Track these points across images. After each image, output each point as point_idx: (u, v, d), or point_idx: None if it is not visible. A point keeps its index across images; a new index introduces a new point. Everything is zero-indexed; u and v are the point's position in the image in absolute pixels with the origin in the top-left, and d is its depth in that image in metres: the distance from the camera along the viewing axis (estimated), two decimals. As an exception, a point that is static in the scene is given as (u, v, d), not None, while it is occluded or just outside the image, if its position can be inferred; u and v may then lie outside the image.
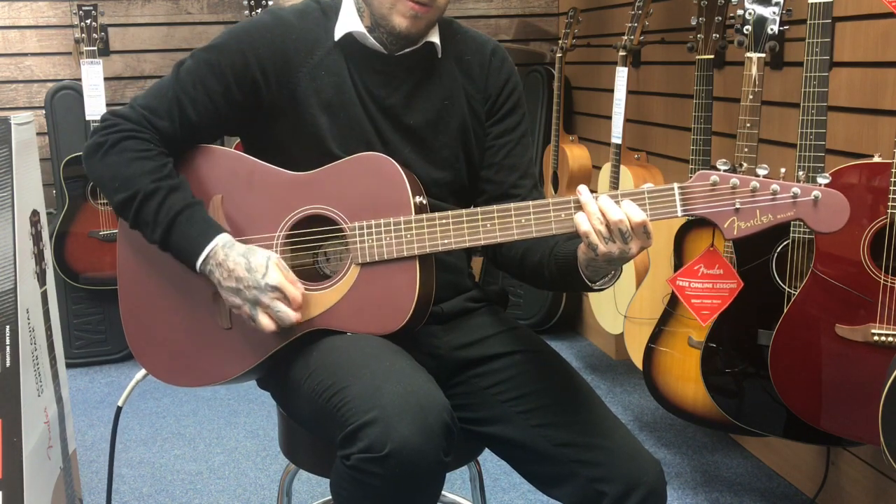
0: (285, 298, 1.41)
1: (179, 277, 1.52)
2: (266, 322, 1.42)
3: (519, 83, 1.65)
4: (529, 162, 1.64)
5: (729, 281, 1.58)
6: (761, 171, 1.30)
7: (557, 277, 1.45)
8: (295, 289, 1.42)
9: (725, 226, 1.30)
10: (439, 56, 1.57)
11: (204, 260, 1.44)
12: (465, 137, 1.58)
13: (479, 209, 1.40)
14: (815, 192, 1.27)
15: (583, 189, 1.33)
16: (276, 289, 1.40)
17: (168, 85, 1.51)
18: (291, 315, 1.42)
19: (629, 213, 1.29)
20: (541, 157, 3.79)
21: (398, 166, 1.44)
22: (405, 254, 1.42)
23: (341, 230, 1.46)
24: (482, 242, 1.40)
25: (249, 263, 1.41)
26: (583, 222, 1.31)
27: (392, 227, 1.43)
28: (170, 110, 1.50)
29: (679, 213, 1.32)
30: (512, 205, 1.38)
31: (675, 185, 1.31)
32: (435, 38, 1.55)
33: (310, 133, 1.50)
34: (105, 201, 3.45)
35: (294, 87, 1.50)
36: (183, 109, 1.49)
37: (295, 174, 1.49)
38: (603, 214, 1.29)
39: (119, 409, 1.85)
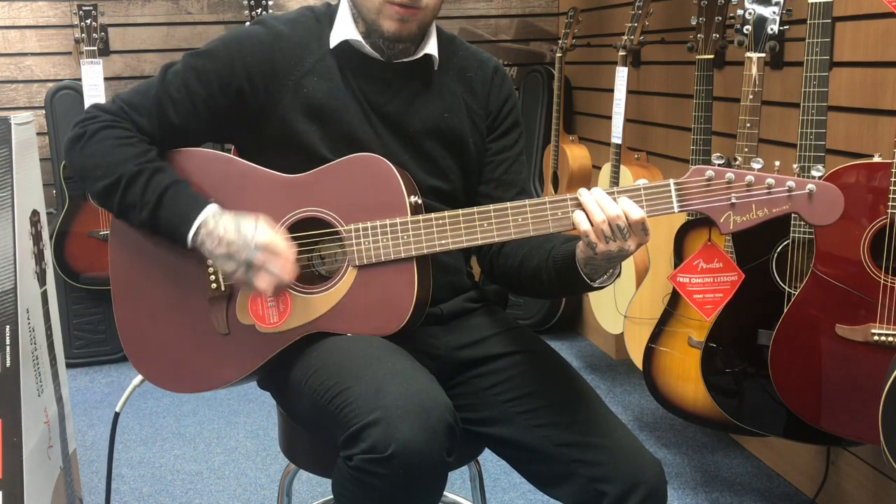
0: (277, 257, 1.40)
1: (175, 282, 1.52)
2: (262, 282, 1.41)
3: (517, 103, 1.67)
4: (526, 180, 1.66)
5: (729, 274, 1.58)
6: (756, 165, 1.31)
7: (556, 280, 1.45)
8: (286, 247, 1.41)
9: (721, 220, 1.32)
10: (436, 68, 1.57)
11: (195, 232, 1.43)
12: (463, 150, 1.58)
13: (475, 209, 1.40)
14: (810, 186, 1.28)
15: (583, 191, 1.34)
16: (266, 247, 1.39)
17: (152, 85, 1.52)
18: (285, 273, 1.41)
19: (627, 210, 1.30)
20: (541, 157, 3.79)
21: (392, 166, 1.44)
22: (402, 255, 1.42)
23: (337, 233, 1.46)
24: (479, 242, 1.40)
25: (238, 227, 1.41)
26: (582, 221, 1.31)
27: (388, 229, 1.42)
28: (150, 109, 1.50)
29: (675, 209, 1.32)
30: (508, 204, 1.38)
31: (671, 181, 1.32)
32: (433, 50, 1.55)
33: (299, 140, 1.50)
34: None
35: (282, 94, 1.50)
36: (163, 110, 1.50)
37: (288, 177, 1.49)
38: (602, 212, 1.30)
39: (117, 415, 1.85)
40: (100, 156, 1.47)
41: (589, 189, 1.34)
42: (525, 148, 1.69)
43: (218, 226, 1.42)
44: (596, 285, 1.41)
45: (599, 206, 1.31)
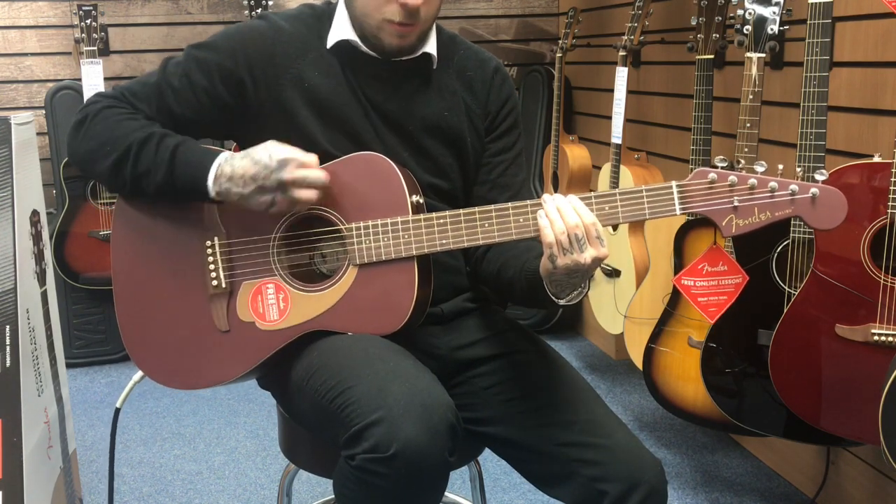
0: (302, 165, 1.40)
1: (176, 279, 1.52)
2: (303, 194, 1.41)
3: (518, 103, 1.66)
4: (522, 182, 1.63)
5: (734, 276, 1.57)
6: (759, 168, 1.31)
7: (528, 293, 1.45)
8: (305, 154, 1.41)
9: (724, 223, 1.31)
10: (435, 67, 1.57)
11: (215, 180, 1.44)
12: (462, 149, 1.58)
13: (476, 209, 1.40)
14: (814, 190, 1.28)
15: (546, 197, 1.32)
16: (288, 161, 1.39)
17: (154, 75, 1.54)
18: (319, 175, 1.41)
19: (581, 214, 1.29)
20: (541, 157, 3.79)
21: (394, 165, 1.44)
22: (403, 254, 1.42)
23: (338, 231, 1.46)
24: (480, 242, 1.40)
25: (253, 157, 1.41)
26: (548, 234, 1.30)
27: (389, 228, 1.42)
28: (149, 96, 1.51)
29: (678, 212, 1.32)
30: (510, 204, 1.38)
31: (674, 184, 1.32)
32: (431, 49, 1.55)
33: (300, 134, 1.50)
34: (105, 200, 3.45)
35: (283, 86, 1.50)
36: (163, 98, 1.50)
37: None
38: (562, 219, 1.29)
39: (117, 411, 1.85)
40: (106, 133, 1.48)
41: (589, 189, 1.34)
42: (525, 148, 1.68)
43: (235, 168, 1.42)
44: (562, 303, 1.39)
45: (560, 215, 1.29)
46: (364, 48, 1.52)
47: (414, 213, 1.43)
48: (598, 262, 1.30)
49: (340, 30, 1.52)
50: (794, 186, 1.28)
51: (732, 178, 1.30)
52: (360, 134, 1.51)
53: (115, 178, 1.49)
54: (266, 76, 1.50)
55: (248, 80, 1.50)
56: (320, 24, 1.55)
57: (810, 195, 1.28)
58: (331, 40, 1.53)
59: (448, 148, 1.57)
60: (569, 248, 1.28)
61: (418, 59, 1.55)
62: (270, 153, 1.40)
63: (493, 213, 1.39)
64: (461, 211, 1.40)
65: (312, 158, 1.41)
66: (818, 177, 1.30)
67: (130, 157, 1.46)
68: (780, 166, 1.34)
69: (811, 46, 1.92)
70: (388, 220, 1.42)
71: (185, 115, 1.51)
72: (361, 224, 1.44)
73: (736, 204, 1.30)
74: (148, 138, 1.46)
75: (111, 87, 1.58)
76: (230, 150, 1.58)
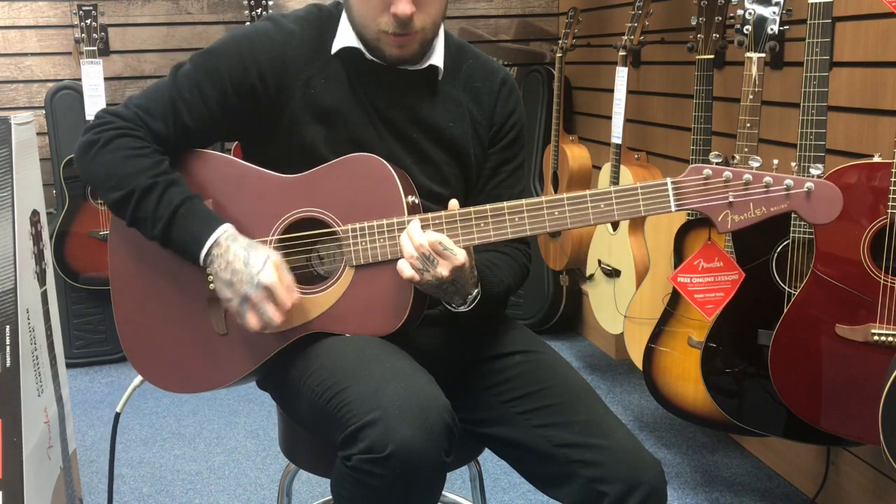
0: (274, 300, 1.40)
1: (174, 283, 1.52)
2: (252, 321, 1.41)
3: (523, 115, 1.65)
4: (519, 194, 1.62)
5: (730, 273, 1.57)
6: (754, 164, 1.31)
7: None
8: (286, 293, 1.41)
9: (719, 219, 1.31)
10: (440, 78, 1.56)
11: (207, 251, 1.43)
12: (465, 160, 1.58)
13: (472, 209, 1.39)
14: (808, 184, 1.28)
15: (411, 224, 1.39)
16: (267, 288, 1.39)
17: (165, 87, 1.51)
18: (276, 318, 1.40)
19: (429, 237, 1.35)
20: (541, 157, 3.79)
21: (388, 166, 1.44)
22: (399, 255, 1.42)
23: (334, 233, 1.46)
24: (476, 242, 1.40)
25: (248, 258, 1.40)
26: (402, 263, 1.37)
27: (385, 229, 1.42)
28: (165, 113, 1.49)
29: (673, 208, 1.32)
30: (505, 204, 1.38)
31: (668, 180, 1.32)
32: (437, 61, 1.54)
33: (305, 140, 1.49)
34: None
35: (292, 93, 1.49)
36: (178, 113, 1.49)
37: (286, 177, 1.49)
38: (410, 241, 1.36)
39: (118, 415, 1.85)
40: (112, 166, 1.46)
41: (589, 188, 1.34)
42: (525, 149, 1.68)
43: (229, 250, 1.42)
44: (462, 310, 1.45)
45: (409, 239, 1.36)
46: (369, 56, 1.51)
47: (409, 213, 1.42)
48: (457, 271, 1.37)
49: (345, 36, 1.51)
50: (789, 181, 1.28)
51: (727, 173, 1.30)
52: (364, 140, 1.50)
53: (115, 211, 1.49)
54: (277, 81, 1.49)
55: (259, 86, 1.49)
56: (327, 27, 1.53)
57: (805, 190, 1.28)
58: (336, 46, 1.51)
59: (451, 157, 1.56)
60: (421, 267, 1.36)
61: (424, 70, 1.54)
62: (262, 271, 1.39)
63: (489, 214, 1.38)
64: (456, 211, 1.40)
65: (288, 302, 1.41)
66: (814, 171, 1.30)
67: (132, 201, 1.45)
68: (776, 161, 1.34)
69: (811, 46, 1.91)
70: (384, 222, 1.42)
71: (199, 126, 1.50)
72: (357, 225, 1.43)
73: (731, 200, 1.30)
74: (152, 187, 1.44)
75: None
76: (230, 151, 1.57)
